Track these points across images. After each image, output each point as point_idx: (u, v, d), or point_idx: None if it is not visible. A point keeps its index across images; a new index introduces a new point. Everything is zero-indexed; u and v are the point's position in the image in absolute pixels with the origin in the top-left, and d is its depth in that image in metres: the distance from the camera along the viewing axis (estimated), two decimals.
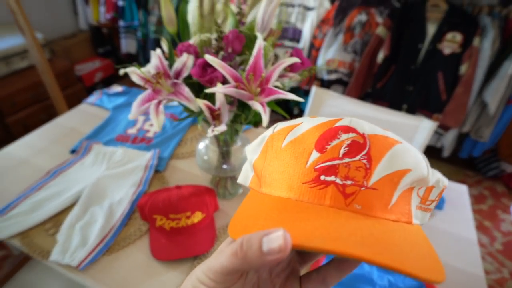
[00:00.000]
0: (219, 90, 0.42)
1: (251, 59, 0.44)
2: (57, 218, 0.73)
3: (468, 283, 0.66)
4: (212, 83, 0.47)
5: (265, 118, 0.43)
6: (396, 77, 1.68)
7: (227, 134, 0.65)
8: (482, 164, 1.93)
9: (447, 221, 0.78)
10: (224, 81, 0.49)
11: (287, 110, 2.31)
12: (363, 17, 1.71)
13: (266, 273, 0.27)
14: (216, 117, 0.47)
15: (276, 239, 0.17)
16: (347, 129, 0.25)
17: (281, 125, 0.28)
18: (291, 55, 0.55)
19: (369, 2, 1.69)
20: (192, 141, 0.99)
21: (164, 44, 0.57)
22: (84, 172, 0.84)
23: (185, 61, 0.49)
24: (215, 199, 0.74)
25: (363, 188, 0.23)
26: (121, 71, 0.51)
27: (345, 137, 0.24)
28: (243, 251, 0.18)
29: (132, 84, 0.67)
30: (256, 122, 0.57)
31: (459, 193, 0.87)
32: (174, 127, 1.04)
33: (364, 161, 0.23)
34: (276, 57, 0.57)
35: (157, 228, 0.68)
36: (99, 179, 0.80)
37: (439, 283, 0.18)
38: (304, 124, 0.26)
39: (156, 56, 0.51)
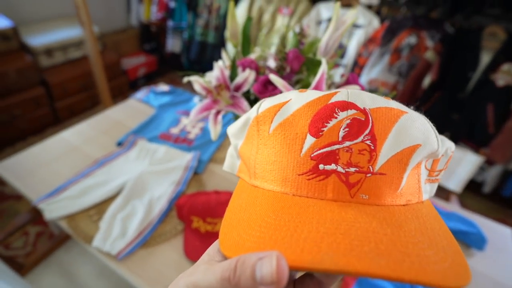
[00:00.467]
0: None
1: (314, 83, 0.45)
2: (101, 206, 0.77)
3: None
4: None
5: None
6: (442, 104, 1.62)
7: None
8: None
9: (487, 264, 0.74)
10: None
11: None
12: (412, 39, 1.67)
13: None
14: None
15: (269, 266, 0.15)
16: (345, 105, 0.21)
17: (266, 104, 0.24)
18: (347, 80, 0.55)
19: (421, 25, 1.65)
20: None
21: (225, 56, 0.59)
22: (128, 165, 0.88)
23: (247, 77, 0.50)
24: None
25: (369, 175, 0.20)
26: (185, 79, 0.54)
27: (344, 116, 0.21)
28: (236, 277, 0.16)
29: (172, 82, 0.70)
30: None
31: (503, 236, 0.82)
32: None
33: (368, 142, 0.20)
34: (330, 77, 0.58)
35: (193, 229, 0.70)
36: (142, 173, 0.84)
37: (464, 286, 0.16)
38: (293, 102, 0.22)
39: (218, 68, 0.53)
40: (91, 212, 0.76)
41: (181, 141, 1.01)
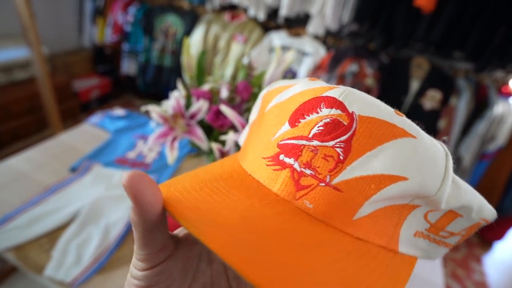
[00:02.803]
0: (232, 138, 0.49)
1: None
2: (53, 234, 0.75)
3: None
4: (222, 128, 0.54)
5: None
6: None
7: None
8: None
9: (417, 265, 0.85)
10: (232, 126, 0.56)
11: None
12: (354, 67, 1.86)
13: (221, 268, 0.22)
14: (224, 156, 0.54)
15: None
16: (333, 103, 0.18)
17: (277, 83, 0.23)
18: None
19: (361, 55, 1.85)
20: (189, 171, 1.04)
21: (181, 86, 0.64)
22: (83, 191, 0.87)
23: (200, 106, 0.56)
24: None
25: (322, 184, 0.17)
26: (143, 108, 0.58)
27: (326, 113, 0.18)
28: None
29: (128, 105, 0.72)
30: None
31: None
32: None
33: (339, 149, 0.17)
34: None
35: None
36: (98, 199, 0.84)
37: None
38: (297, 87, 0.21)
39: (174, 98, 0.58)
40: (42, 241, 0.74)
41: (138, 165, 1.02)
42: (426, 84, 1.69)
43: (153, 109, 0.57)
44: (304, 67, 1.99)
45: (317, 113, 0.19)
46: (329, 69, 1.95)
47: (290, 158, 0.18)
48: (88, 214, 0.79)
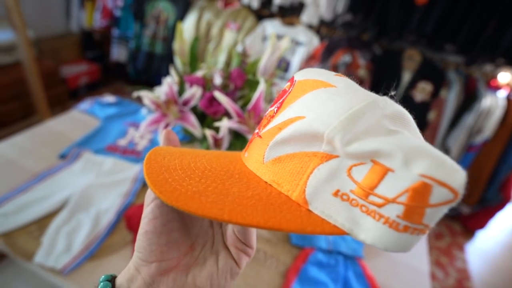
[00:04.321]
0: (226, 125, 0.49)
1: (253, 100, 0.52)
2: (42, 222, 0.74)
3: None
4: (216, 115, 0.53)
5: None
6: None
7: None
8: None
9: (404, 253, 0.87)
10: (226, 113, 0.56)
11: None
12: (347, 58, 1.86)
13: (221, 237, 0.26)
14: (218, 144, 0.53)
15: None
16: (292, 79, 0.22)
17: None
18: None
19: (354, 45, 1.85)
20: None
21: (173, 72, 0.63)
22: (72, 179, 0.86)
23: (194, 93, 0.55)
24: None
25: (257, 137, 0.22)
26: (135, 93, 0.57)
27: (284, 87, 0.23)
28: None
29: (118, 93, 0.71)
30: None
31: None
32: None
33: (275, 109, 0.21)
34: (269, 94, 0.65)
35: None
36: (88, 186, 0.83)
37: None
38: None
39: (167, 84, 0.57)
40: (31, 228, 0.73)
41: (129, 153, 1.01)
42: (417, 76, 1.70)
43: (145, 95, 0.56)
44: (298, 57, 1.98)
45: (285, 90, 0.23)
46: (322, 59, 1.94)
47: (260, 129, 0.23)
48: (78, 202, 0.78)
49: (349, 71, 1.88)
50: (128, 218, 0.73)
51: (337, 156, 0.17)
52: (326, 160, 0.17)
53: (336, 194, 0.17)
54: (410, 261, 0.85)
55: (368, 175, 0.16)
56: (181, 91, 0.59)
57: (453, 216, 2.08)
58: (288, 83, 0.22)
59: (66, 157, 0.93)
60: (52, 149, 0.96)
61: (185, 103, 0.57)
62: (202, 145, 0.57)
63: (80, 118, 1.14)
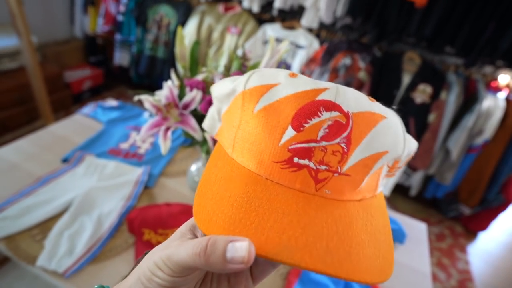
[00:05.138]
0: None
1: None
2: (45, 225, 0.75)
3: None
4: None
5: None
6: None
7: None
8: (444, 204, 2.08)
9: (406, 255, 0.87)
10: None
11: None
12: (347, 60, 1.87)
13: None
14: None
15: (240, 250, 0.18)
16: (331, 106, 0.22)
17: (254, 81, 0.25)
18: None
19: (354, 48, 1.86)
20: (182, 162, 1.05)
21: (174, 76, 0.64)
22: (75, 182, 0.87)
23: (194, 96, 0.56)
24: None
25: (336, 175, 0.22)
26: (135, 98, 0.58)
27: (327, 116, 0.22)
28: (207, 255, 0.18)
29: (121, 97, 0.72)
30: None
31: (419, 230, 0.97)
32: None
33: (343, 144, 0.22)
34: None
35: (144, 241, 0.72)
36: (90, 189, 0.84)
37: (382, 282, 0.20)
38: (282, 86, 0.23)
39: (167, 87, 0.58)
40: (33, 232, 0.74)
41: (131, 156, 1.02)
42: (417, 78, 1.71)
43: (146, 99, 0.57)
44: (298, 60, 1.99)
45: (319, 116, 0.22)
46: (322, 62, 1.95)
47: (304, 159, 0.22)
48: (80, 205, 0.79)
49: (349, 74, 1.89)
50: (130, 221, 0.74)
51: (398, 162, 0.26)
52: (383, 166, 0.25)
53: (382, 178, 0.27)
54: (411, 263, 0.85)
55: (395, 162, 0.26)
56: (181, 94, 0.60)
57: (454, 217, 2.07)
58: (338, 113, 0.22)
59: (69, 160, 0.94)
60: (55, 153, 0.98)
61: (185, 106, 0.58)
62: (202, 148, 0.57)
63: (83, 122, 1.16)
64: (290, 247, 0.19)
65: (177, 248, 0.20)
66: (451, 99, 1.65)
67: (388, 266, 0.21)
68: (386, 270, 0.21)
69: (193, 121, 0.56)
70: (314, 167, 0.22)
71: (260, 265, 0.25)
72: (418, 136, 1.76)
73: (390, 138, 0.23)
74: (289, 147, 0.22)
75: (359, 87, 1.85)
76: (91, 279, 0.66)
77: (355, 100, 0.23)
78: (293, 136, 0.22)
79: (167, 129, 0.57)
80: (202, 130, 0.55)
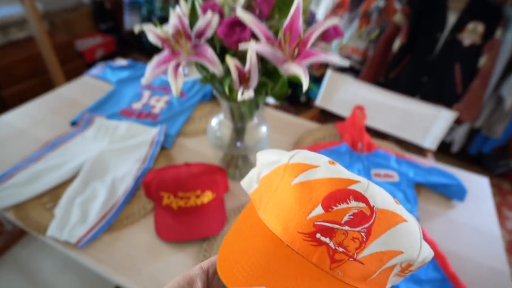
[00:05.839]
0: (253, 46, 0.37)
1: (288, 19, 0.39)
2: (55, 192, 0.68)
3: (493, 278, 0.62)
4: (239, 43, 0.41)
5: (305, 82, 0.37)
6: (411, 67, 1.62)
7: (245, 108, 0.60)
8: (490, 161, 1.89)
9: (468, 214, 0.74)
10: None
11: (294, 98, 2.25)
12: (380, 2, 1.64)
13: None
14: (244, 81, 0.41)
15: None
16: (359, 197, 0.24)
17: (299, 158, 0.27)
18: (328, 32, 0.49)
19: None
20: (201, 120, 0.94)
21: (183, 3, 0.51)
22: (85, 146, 0.79)
23: (209, 20, 0.43)
24: (225, 179, 0.69)
25: (351, 259, 0.24)
26: (136, 28, 0.45)
27: (354, 205, 0.24)
28: None
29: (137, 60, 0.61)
30: (281, 95, 0.51)
31: (480, 186, 0.82)
32: (182, 104, 0.98)
33: (363, 233, 0.24)
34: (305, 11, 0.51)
35: (164, 206, 0.63)
36: (102, 153, 0.75)
37: None
38: (321, 170, 0.26)
39: (175, 15, 0.45)
40: (44, 199, 0.66)
41: (144, 116, 0.92)
42: (466, 16, 1.46)
43: (150, 29, 0.45)
44: (323, 7, 1.77)
45: (347, 203, 0.24)
46: (351, 7, 1.72)
47: (326, 237, 0.24)
48: (92, 169, 0.71)
49: (383, 18, 1.65)
50: (146, 184, 0.65)
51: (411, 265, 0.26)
52: (395, 266, 0.25)
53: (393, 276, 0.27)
54: (474, 222, 0.72)
55: (408, 265, 0.26)
56: (192, 22, 0.47)
57: (501, 174, 1.88)
58: (364, 205, 0.24)
59: (78, 123, 0.85)
60: (63, 117, 0.89)
61: (199, 34, 0.44)
62: (224, 83, 0.45)
63: (91, 84, 1.06)
64: None
65: None
66: (508, 37, 1.41)
67: None
68: None
69: (210, 52, 0.43)
70: (333, 247, 0.24)
71: None
72: (464, 84, 1.54)
73: (407, 240, 0.25)
74: (315, 223, 0.24)
75: (395, 32, 1.62)
76: (107, 249, 0.58)
77: (382, 198, 0.25)
78: (320, 214, 0.24)
79: (177, 65, 0.44)
80: (222, 62, 0.43)
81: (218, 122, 0.69)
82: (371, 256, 0.24)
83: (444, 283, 0.58)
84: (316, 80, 1.87)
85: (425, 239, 0.65)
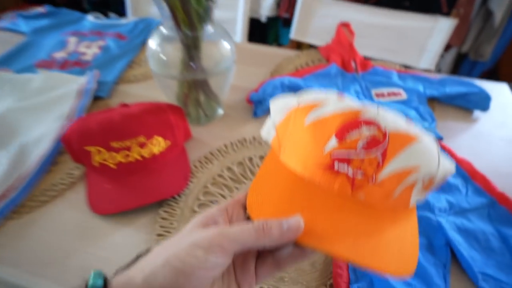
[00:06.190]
0: None
1: None
2: None
3: None
4: None
5: None
6: None
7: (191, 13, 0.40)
8: None
9: (495, 124, 0.60)
10: None
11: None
12: None
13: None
14: None
15: (295, 221, 0.22)
16: (371, 124, 0.25)
17: (307, 99, 0.29)
18: None
19: None
20: (148, 63, 0.72)
21: None
22: None
23: None
24: (184, 122, 0.50)
25: (370, 183, 0.25)
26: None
27: (366, 132, 0.25)
28: (267, 228, 0.21)
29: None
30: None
31: (501, 92, 0.68)
32: (121, 47, 0.76)
33: (379, 157, 0.25)
34: None
35: (97, 168, 0.44)
36: (5, 114, 0.53)
37: (405, 277, 0.24)
38: (330, 106, 0.27)
39: None
40: None
41: (71, 65, 0.69)
42: None
43: None
44: None
45: (359, 131, 0.25)
46: None
47: (343, 165, 0.25)
48: None
49: None
50: (66, 140, 0.44)
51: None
52: (416, 182, 0.26)
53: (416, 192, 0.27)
54: (505, 133, 0.58)
55: (430, 181, 0.26)
56: None
57: None
58: (377, 131, 0.25)
59: None
60: None
61: None
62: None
63: None
64: (323, 238, 0.23)
65: (227, 229, 0.21)
66: None
67: (414, 263, 0.23)
68: (411, 266, 0.23)
69: None
70: (351, 174, 0.25)
71: (266, 265, 0.25)
72: (449, 4, 1.38)
73: (422, 157, 0.25)
74: (332, 154, 0.25)
75: None
76: (13, 242, 0.39)
77: (393, 122, 0.26)
78: (336, 145, 0.25)
79: None
80: None
81: (159, 42, 0.48)
82: (389, 177, 0.25)
83: (494, 207, 0.43)
84: (285, 23, 1.65)
85: (457, 159, 0.50)
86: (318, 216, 0.24)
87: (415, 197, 0.26)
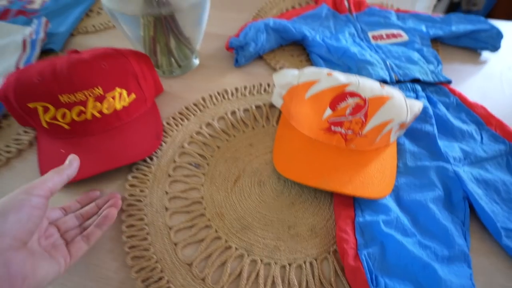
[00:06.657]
0: None
1: None
2: None
3: None
4: None
5: None
6: None
7: None
8: None
9: (505, 64, 0.54)
10: None
11: None
12: None
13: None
14: None
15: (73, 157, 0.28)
16: (353, 94, 0.35)
17: (304, 77, 0.39)
18: None
19: None
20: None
21: None
22: None
23: None
24: (152, 71, 0.42)
25: (358, 136, 0.36)
26: None
27: (351, 101, 0.35)
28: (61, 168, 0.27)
29: None
30: None
31: (510, 32, 0.61)
32: None
33: (362, 118, 0.35)
34: None
35: (47, 129, 0.36)
36: None
37: (380, 198, 0.33)
38: (322, 83, 0.37)
39: None
40: None
41: (14, 15, 0.58)
42: None
43: None
44: None
45: (346, 101, 0.36)
46: None
47: (337, 127, 0.36)
48: None
49: None
50: (3, 97, 0.36)
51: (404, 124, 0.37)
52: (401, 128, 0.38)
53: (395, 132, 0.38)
54: None
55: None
56: None
57: None
58: (359, 99, 0.35)
59: None
60: None
61: None
62: None
63: None
64: (328, 179, 0.33)
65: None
66: None
67: (388, 189, 0.34)
68: (385, 191, 0.33)
69: None
70: (344, 132, 0.36)
71: (76, 243, 0.27)
72: None
73: (394, 110, 0.35)
74: (328, 120, 0.36)
75: None
76: None
77: (371, 89, 0.36)
78: (330, 114, 0.36)
79: None
80: None
81: None
82: (371, 130, 0.35)
83: None
84: None
85: (470, 104, 0.44)
86: (326, 163, 0.35)
87: (393, 137, 0.37)
